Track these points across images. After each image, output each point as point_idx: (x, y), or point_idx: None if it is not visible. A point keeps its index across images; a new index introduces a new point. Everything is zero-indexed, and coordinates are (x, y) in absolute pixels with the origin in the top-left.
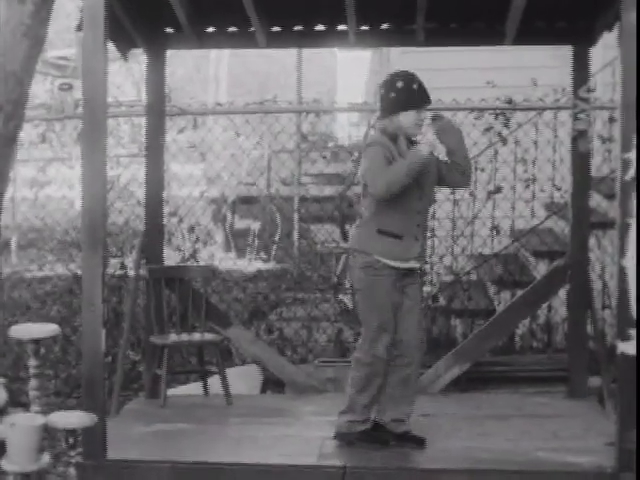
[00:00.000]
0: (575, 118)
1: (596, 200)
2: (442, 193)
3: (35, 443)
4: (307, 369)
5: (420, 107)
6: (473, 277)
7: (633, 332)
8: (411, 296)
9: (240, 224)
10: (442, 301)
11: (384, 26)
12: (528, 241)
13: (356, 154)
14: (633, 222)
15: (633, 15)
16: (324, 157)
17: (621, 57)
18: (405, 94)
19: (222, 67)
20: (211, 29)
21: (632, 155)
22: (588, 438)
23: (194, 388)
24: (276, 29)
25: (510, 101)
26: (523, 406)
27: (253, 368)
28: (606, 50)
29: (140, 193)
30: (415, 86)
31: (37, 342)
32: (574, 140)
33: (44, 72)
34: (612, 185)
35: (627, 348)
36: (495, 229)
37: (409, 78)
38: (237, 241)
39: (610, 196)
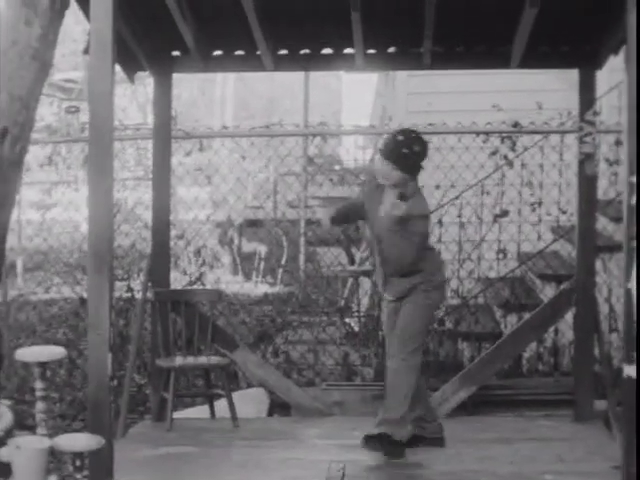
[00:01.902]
0: (581, 141)
1: (602, 223)
2: (449, 215)
3: (41, 466)
4: (313, 392)
5: None
6: (480, 300)
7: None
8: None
9: (247, 247)
10: (449, 324)
11: (391, 49)
12: (535, 264)
13: (362, 177)
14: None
15: (633, 18)
16: (331, 180)
17: (626, 77)
18: (420, 158)
19: (228, 90)
20: (218, 52)
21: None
22: (594, 461)
23: (200, 411)
24: (283, 52)
25: (516, 124)
26: (529, 429)
27: (260, 391)
28: (612, 73)
29: (146, 216)
30: None
31: (43, 365)
32: (581, 163)
33: (50, 95)
34: (619, 208)
35: (633, 371)
36: (502, 252)
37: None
38: (244, 264)
39: (616, 219)
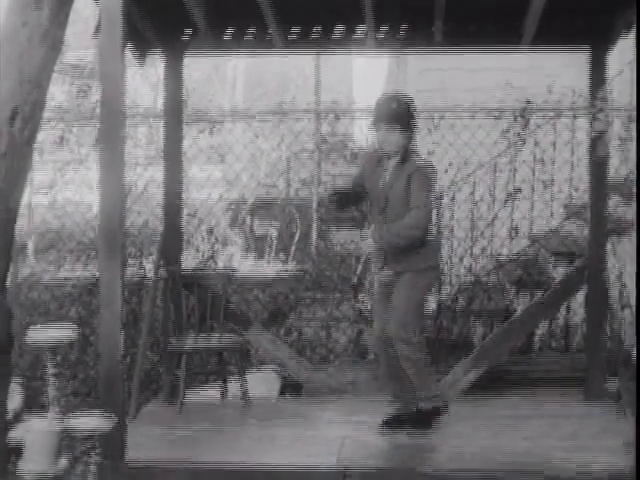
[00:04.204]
0: (593, 119)
1: (614, 202)
2: (463, 193)
3: (53, 446)
4: (326, 370)
5: None
6: (492, 278)
7: None
8: (395, 294)
9: (259, 225)
10: (461, 302)
11: (402, 29)
12: (547, 242)
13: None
14: None
15: None
16: (344, 157)
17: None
18: (410, 111)
19: (240, 68)
20: (229, 33)
21: None
22: (605, 439)
23: (213, 390)
24: (294, 33)
25: (529, 102)
26: (541, 407)
27: (271, 373)
28: (623, 52)
29: (159, 195)
30: None
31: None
32: (593, 141)
33: (62, 72)
34: (630, 186)
35: None
36: (514, 230)
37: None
38: (256, 242)
39: (628, 197)
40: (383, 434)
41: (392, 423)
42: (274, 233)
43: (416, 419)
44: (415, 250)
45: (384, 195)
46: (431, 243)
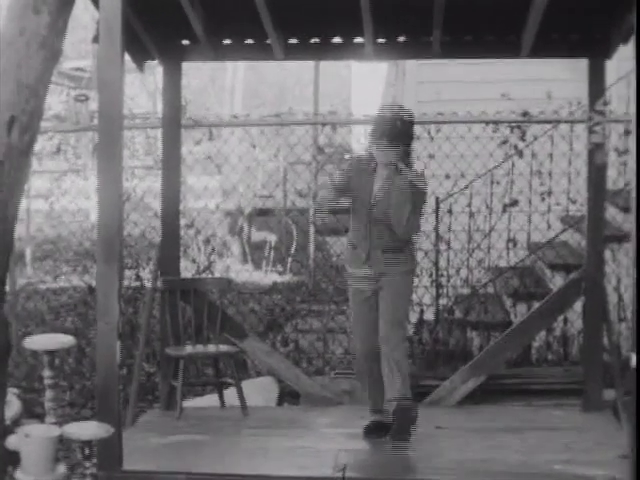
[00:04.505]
0: (591, 131)
1: (611, 213)
2: (459, 205)
3: (50, 454)
4: (323, 381)
5: None
6: (489, 290)
7: None
8: (382, 297)
9: (256, 236)
10: (458, 313)
11: (400, 39)
12: (544, 254)
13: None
14: None
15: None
16: (342, 169)
17: (635, 66)
18: (412, 126)
19: (238, 78)
20: (227, 41)
21: None
22: (602, 451)
23: (210, 400)
24: (293, 41)
25: (525, 114)
26: (537, 419)
27: (269, 380)
28: (621, 63)
29: (156, 205)
30: None
31: (52, 353)
32: (590, 153)
33: (59, 83)
34: (628, 198)
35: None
36: (511, 242)
37: (406, 110)
38: (253, 253)
39: (626, 209)
40: (366, 440)
41: (373, 430)
42: (273, 239)
43: (396, 428)
44: (403, 252)
45: (375, 200)
46: (414, 247)
